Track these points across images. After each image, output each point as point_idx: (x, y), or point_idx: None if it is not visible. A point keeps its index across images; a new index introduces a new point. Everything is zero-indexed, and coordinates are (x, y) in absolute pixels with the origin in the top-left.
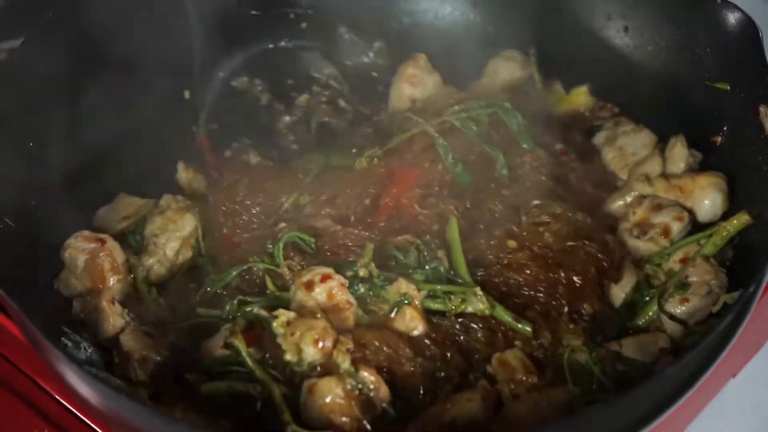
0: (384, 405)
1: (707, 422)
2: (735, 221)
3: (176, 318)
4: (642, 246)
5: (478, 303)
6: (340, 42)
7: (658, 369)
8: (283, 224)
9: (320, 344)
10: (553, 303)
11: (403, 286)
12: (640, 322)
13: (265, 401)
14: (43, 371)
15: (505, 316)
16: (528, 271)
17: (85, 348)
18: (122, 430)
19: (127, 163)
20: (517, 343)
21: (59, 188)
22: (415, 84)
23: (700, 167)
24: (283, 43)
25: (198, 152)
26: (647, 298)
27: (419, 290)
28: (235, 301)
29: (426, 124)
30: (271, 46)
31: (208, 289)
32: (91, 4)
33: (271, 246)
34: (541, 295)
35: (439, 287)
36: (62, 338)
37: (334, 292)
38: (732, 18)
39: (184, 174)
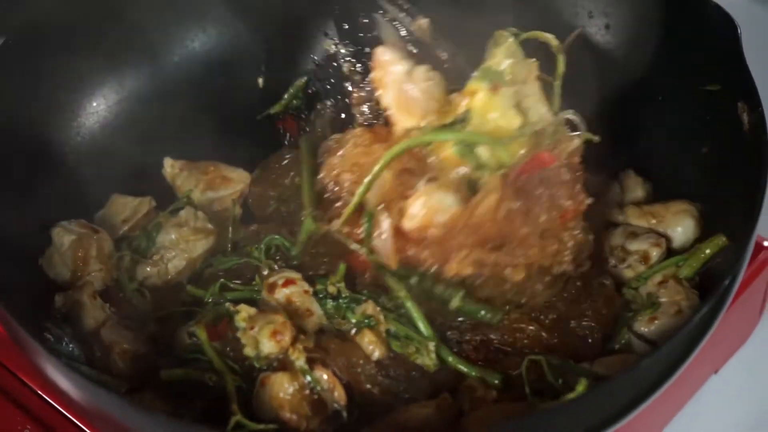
0: (337, 407)
1: (688, 418)
2: (712, 244)
3: (155, 308)
4: (620, 273)
5: (426, 358)
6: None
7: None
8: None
9: (278, 337)
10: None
11: (370, 308)
12: (616, 347)
13: (222, 392)
14: (27, 367)
15: (471, 371)
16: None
17: (66, 342)
18: (103, 423)
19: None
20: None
21: (46, 187)
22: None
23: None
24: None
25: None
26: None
27: (386, 319)
28: (218, 284)
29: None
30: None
31: (208, 268)
32: None
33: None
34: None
35: (401, 328)
36: (44, 333)
37: (294, 298)
38: (711, 14)
39: (170, 170)
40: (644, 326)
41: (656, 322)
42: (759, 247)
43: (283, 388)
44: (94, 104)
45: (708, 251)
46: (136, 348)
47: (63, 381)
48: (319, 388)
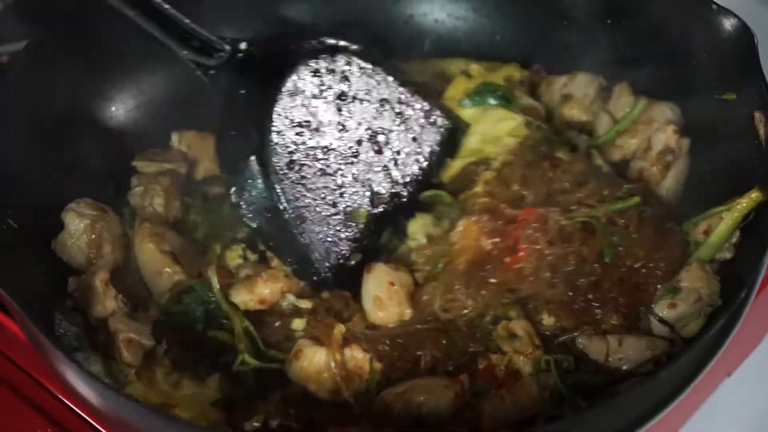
0: (364, 386)
1: (702, 421)
2: (747, 198)
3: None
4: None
5: None
6: None
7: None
8: None
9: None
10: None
11: None
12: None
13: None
14: (45, 370)
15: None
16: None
17: (76, 337)
18: (122, 428)
19: None
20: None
21: (61, 190)
22: None
23: None
24: None
25: None
26: None
27: None
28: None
29: None
30: None
31: None
32: None
33: None
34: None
35: None
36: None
37: None
38: (728, 24)
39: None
40: (664, 310)
41: (675, 308)
42: None
43: (314, 362)
44: (113, 109)
45: (744, 205)
46: (144, 339)
47: (81, 386)
48: (351, 366)
